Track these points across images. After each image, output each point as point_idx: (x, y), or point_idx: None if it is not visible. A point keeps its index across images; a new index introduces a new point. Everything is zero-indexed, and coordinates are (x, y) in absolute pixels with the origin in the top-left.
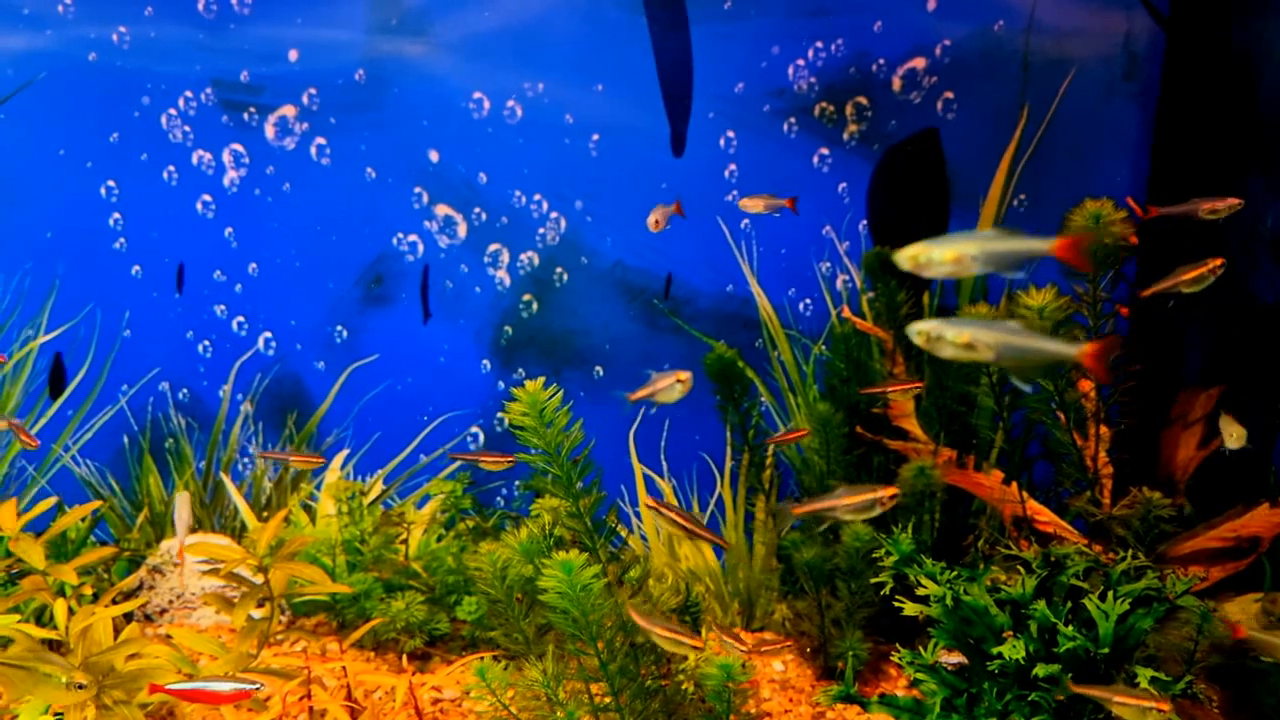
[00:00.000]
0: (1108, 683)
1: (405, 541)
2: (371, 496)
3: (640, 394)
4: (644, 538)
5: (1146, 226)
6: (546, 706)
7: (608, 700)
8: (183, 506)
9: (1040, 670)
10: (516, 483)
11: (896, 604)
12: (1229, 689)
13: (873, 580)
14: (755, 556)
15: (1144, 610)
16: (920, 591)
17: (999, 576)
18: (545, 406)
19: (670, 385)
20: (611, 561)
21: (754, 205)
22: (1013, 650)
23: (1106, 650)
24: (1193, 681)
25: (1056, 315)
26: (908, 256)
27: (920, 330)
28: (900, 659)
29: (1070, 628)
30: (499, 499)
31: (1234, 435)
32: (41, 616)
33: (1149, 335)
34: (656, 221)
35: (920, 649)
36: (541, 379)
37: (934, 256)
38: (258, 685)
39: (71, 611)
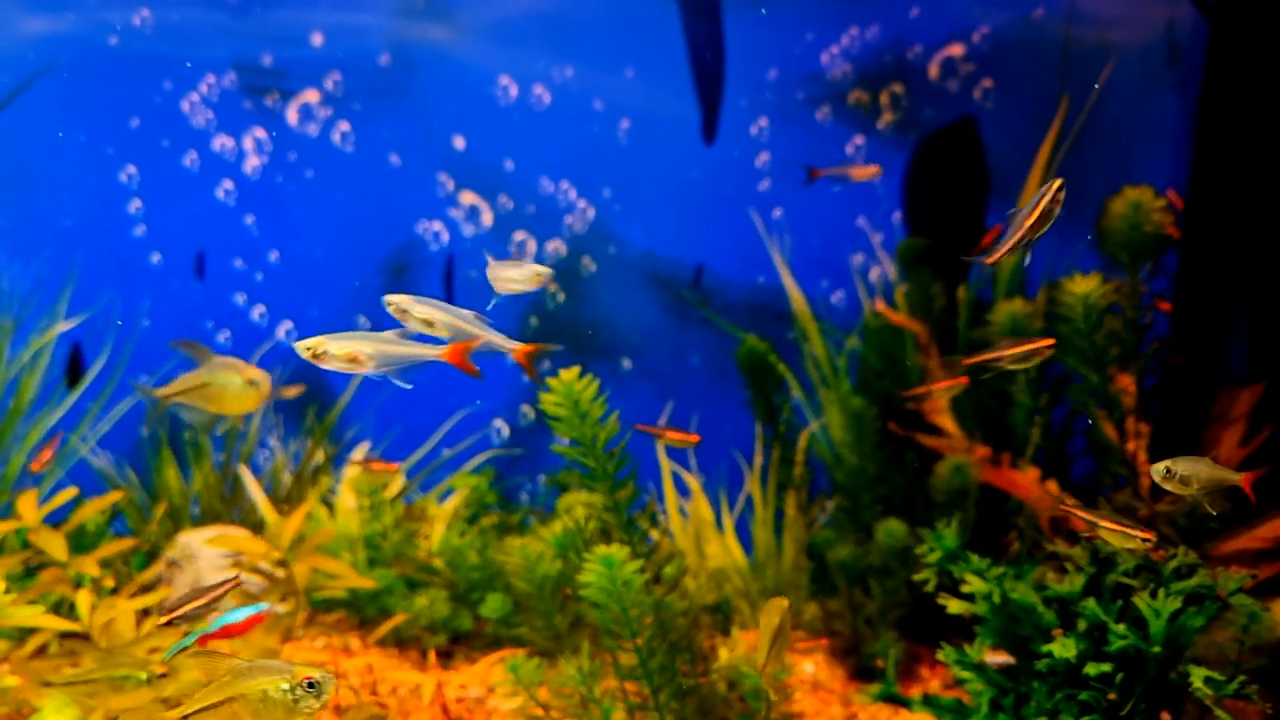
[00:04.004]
0: (1161, 683)
1: (428, 537)
2: (393, 491)
3: None
4: (670, 536)
5: (1188, 219)
6: (579, 704)
7: (643, 699)
8: None
9: (1091, 669)
10: (541, 477)
11: (940, 602)
12: (1273, 693)
13: (914, 577)
14: (785, 554)
15: (1195, 609)
16: (965, 589)
17: (1046, 574)
18: (580, 396)
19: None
20: (644, 558)
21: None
22: (1063, 649)
23: (1158, 649)
24: (1246, 682)
25: (1100, 303)
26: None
27: (305, 346)
28: (945, 657)
29: (1122, 626)
30: (523, 495)
31: None
32: (59, 609)
33: (1192, 331)
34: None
35: (965, 647)
36: (576, 368)
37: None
38: (267, 606)
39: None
